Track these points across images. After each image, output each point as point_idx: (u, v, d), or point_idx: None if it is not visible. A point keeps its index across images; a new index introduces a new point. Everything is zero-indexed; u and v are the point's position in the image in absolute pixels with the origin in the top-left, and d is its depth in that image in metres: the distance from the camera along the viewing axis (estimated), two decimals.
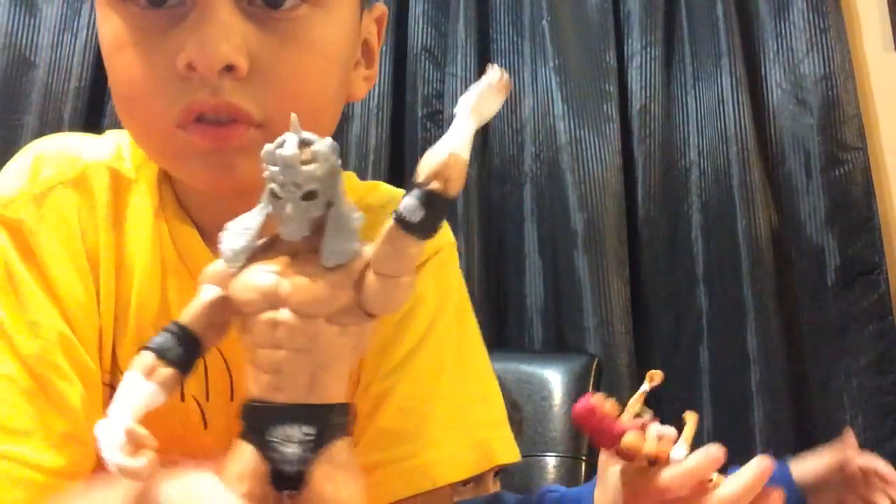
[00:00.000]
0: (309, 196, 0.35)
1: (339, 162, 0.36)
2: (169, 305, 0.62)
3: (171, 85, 0.53)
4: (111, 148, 0.64)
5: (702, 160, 1.71)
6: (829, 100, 1.65)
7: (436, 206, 0.34)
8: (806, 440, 1.59)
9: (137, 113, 0.57)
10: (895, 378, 1.58)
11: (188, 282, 0.62)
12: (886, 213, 1.66)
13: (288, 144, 0.34)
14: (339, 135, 1.71)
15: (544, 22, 1.76)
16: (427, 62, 1.77)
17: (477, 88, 0.36)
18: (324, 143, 0.35)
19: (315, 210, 0.35)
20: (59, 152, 0.62)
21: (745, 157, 1.65)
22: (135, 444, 0.35)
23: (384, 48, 1.76)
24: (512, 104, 1.77)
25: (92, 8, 1.76)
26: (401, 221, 0.34)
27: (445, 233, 0.71)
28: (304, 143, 0.35)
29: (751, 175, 1.65)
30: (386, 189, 0.72)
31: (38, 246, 0.58)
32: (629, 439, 0.69)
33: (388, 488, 0.61)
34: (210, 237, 0.63)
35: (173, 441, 0.63)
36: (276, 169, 0.35)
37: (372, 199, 0.70)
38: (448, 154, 0.34)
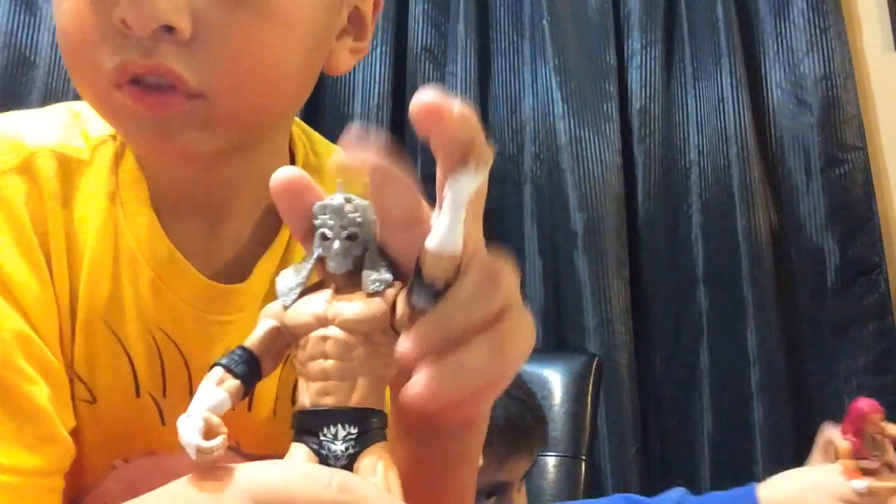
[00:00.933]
0: (351, 237, 0.43)
1: (376, 218, 0.43)
2: (122, 297, 0.58)
3: (106, 40, 0.49)
4: (59, 127, 0.60)
5: (702, 160, 1.71)
6: (829, 100, 1.65)
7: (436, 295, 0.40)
8: (806, 440, 1.59)
9: (75, 66, 0.53)
10: (895, 378, 1.58)
11: (144, 271, 0.59)
12: (886, 213, 1.66)
13: (336, 198, 0.43)
14: (339, 134, 1.71)
15: (544, 22, 1.76)
16: (427, 62, 1.77)
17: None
18: (363, 200, 0.43)
19: (356, 250, 0.43)
20: (0, 138, 0.58)
21: (745, 157, 1.65)
22: (210, 431, 0.40)
23: (384, 48, 1.76)
24: (512, 104, 1.77)
25: None
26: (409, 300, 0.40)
27: None
28: (347, 200, 0.43)
29: (751, 175, 1.65)
30: None
31: None
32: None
33: None
34: (174, 225, 0.60)
35: (130, 436, 0.61)
36: (326, 216, 0.43)
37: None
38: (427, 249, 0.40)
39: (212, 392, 0.43)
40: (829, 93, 1.65)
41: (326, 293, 0.44)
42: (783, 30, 1.71)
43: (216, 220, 0.61)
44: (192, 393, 0.61)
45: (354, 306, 0.42)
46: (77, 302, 0.58)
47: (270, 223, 0.63)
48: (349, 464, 0.41)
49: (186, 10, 0.48)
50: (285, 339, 0.44)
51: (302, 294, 0.44)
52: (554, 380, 1.37)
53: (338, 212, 0.43)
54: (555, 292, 1.68)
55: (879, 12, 1.73)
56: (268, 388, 0.63)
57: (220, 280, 0.61)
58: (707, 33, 1.73)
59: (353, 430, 0.41)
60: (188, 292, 0.60)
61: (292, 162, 0.65)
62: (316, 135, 0.70)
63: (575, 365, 1.40)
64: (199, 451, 0.40)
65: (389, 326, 0.42)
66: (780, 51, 1.71)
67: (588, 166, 1.68)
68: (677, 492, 0.80)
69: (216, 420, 0.41)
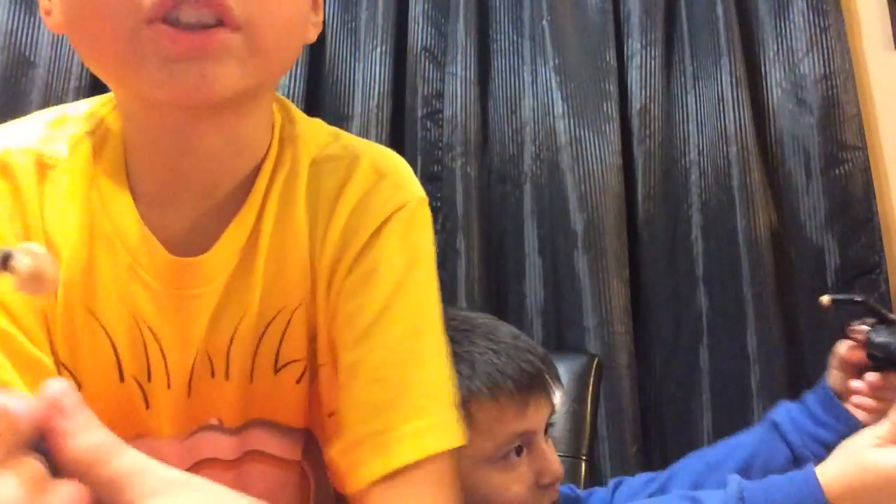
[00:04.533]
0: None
1: None
2: (101, 282, 0.60)
3: None
4: (40, 130, 0.62)
5: (702, 160, 1.71)
6: (829, 100, 1.65)
7: None
8: None
9: (98, 7, 0.52)
10: None
11: (122, 256, 0.60)
12: (886, 213, 1.66)
13: None
14: None
15: (544, 22, 1.76)
16: (427, 62, 1.77)
17: None
18: None
19: None
20: None
21: (745, 157, 1.65)
22: None
23: (384, 48, 1.76)
24: (512, 104, 1.77)
25: None
26: None
27: (411, 187, 0.68)
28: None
29: (751, 175, 1.65)
30: (347, 139, 0.70)
31: None
32: None
33: (368, 466, 0.58)
34: (152, 206, 0.61)
35: (116, 422, 0.63)
36: None
37: (333, 150, 0.68)
38: None
39: None
40: (829, 93, 1.65)
41: None
42: (783, 30, 1.71)
43: (197, 194, 0.62)
44: (169, 384, 0.62)
45: None
46: (58, 291, 0.59)
47: (240, 194, 0.63)
48: None
49: None
50: None
51: None
52: None
53: None
54: (555, 292, 1.68)
55: (879, 12, 1.73)
56: (243, 354, 0.64)
57: (191, 254, 0.62)
58: (707, 33, 1.73)
59: None
60: (159, 271, 0.61)
61: (272, 132, 0.66)
62: (290, 103, 0.71)
63: (575, 365, 1.40)
64: None
65: None
66: (780, 51, 1.71)
67: (588, 166, 1.68)
68: (734, 478, 0.80)
69: None
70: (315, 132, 0.69)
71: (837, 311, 0.92)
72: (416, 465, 0.57)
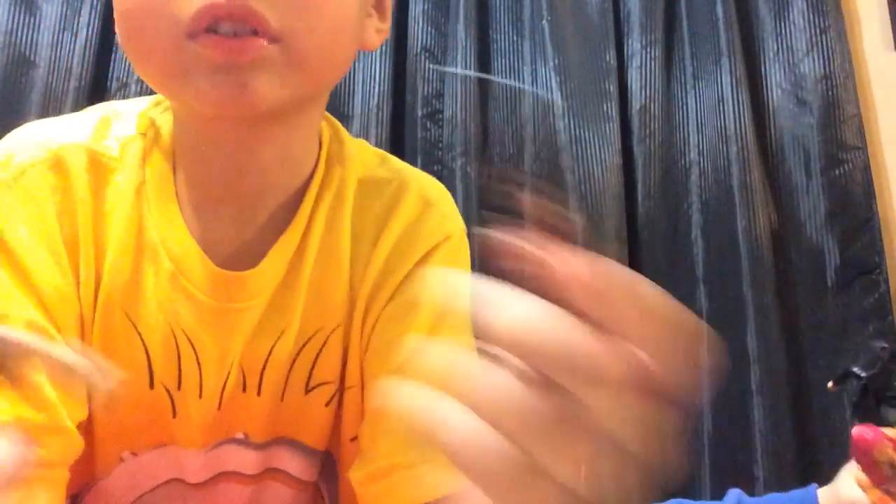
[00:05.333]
0: None
1: None
2: (143, 288, 0.60)
3: None
4: (90, 127, 0.62)
5: (702, 160, 1.71)
6: (829, 100, 1.65)
7: None
8: (806, 440, 1.59)
9: (143, 22, 0.53)
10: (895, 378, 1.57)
11: (165, 265, 0.60)
12: (886, 213, 1.66)
13: None
14: None
15: (544, 22, 1.76)
16: (427, 62, 1.77)
17: None
18: None
19: None
20: (31, 138, 0.61)
21: (745, 157, 1.65)
22: None
23: (384, 48, 1.76)
24: (512, 104, 1.77)
25: (92, 7, 1.76)
26: None
27: (456, 218, 0.69)
28: None
29: (751, 175, 1.65)
30: (394, 163, 0.71)
31: (8, 233, 0.56)
32: None
33: (404, 493, 0.59)
34: (197, 216, 0.61)
35: (142, 428, 0.63)
36: None
37: (381, 172, 0.69)
38: None
39: None
40: (829, 93, 1.65)
41: None
42: (783, 30, 1.71)
43: (244, 208, 0.62)
44: (201, 394, 0.62)
45: None
46: (99, 290, 0.59)
47: (287, 210, 0.63)
48: None
49: None
50: None
51: None
52: None
53: None
54: None
55: (879, 12, 1.73)
56: (277, 371, 0.64)
57: (236, 267, 0.62)
58: (707, 33, 1.73)
59: None
60: (204, 283, 0.61)
61: (319, 149, 0.66)
62: (338, 123, 0.71)
63: None
64: None
65: None
66: (780, 51, 1.71)
67: (588, 166, 1.68)
68: (733, 493, 0.80)
69: None
70: (362, 153, 0.69)
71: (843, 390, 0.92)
72: (447, 497, 0.59)
